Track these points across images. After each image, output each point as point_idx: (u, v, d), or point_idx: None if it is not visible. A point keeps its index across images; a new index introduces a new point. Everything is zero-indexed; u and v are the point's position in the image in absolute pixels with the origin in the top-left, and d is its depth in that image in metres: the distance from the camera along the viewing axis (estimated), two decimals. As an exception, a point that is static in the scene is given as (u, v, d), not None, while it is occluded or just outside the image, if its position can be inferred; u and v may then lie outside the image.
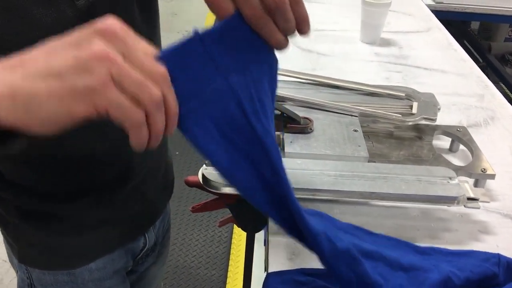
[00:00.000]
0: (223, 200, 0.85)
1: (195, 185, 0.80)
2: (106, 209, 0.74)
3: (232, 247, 1.89)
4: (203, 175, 0.74)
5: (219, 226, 1.05)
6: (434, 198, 0.72)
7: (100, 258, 0.76)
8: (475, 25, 3.00)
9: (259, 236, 1.35)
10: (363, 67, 1.27)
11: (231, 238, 1.93)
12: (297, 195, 0.74)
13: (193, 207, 0.91)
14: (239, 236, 1.94)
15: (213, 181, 0.73)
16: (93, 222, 0.74)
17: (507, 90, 2.22)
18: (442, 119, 0.99)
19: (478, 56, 2.54)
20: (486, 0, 1.97)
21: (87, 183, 0.71)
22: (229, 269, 1.80)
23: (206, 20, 3.95)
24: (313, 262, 0.68)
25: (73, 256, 0.75)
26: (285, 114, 0.85)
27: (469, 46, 2.61)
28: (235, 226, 1.27)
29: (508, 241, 0.75)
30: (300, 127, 0.86)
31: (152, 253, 0.90)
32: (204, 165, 0.76)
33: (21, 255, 0.75)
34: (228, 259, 1.84)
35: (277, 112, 0.85)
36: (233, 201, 0.84)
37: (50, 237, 0.73)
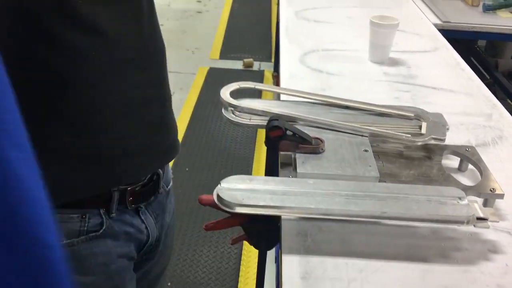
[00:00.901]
0: (236, 218, 0.87)
1: (208, 203, 0.82)
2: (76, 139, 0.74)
3: (241, 263, 1.90)
4: (218, 195, 0.76)
5: (232, 244, 1.06)
6: (445, 218, 0.74)
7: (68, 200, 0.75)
8: (482, 41, 3.02)
9: (270, 254, 1.36)
10: (372, 87, 1.30)
11: (240, 255, 1.95)
12: (310, 215, 0.77)
13: (206, 225, 0.93)
14: (248, 253, 1.95)
15: (227, 201, 0.75)
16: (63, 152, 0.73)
17: (515, 107, 2.24)
18: (451, 138, 1.00)
19: (485, 73, 2.56)
20: (493, 19, 1.99)
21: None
22: (238, 286, 1.81)
23: (215, 38, 4.01)
24: (325, 282, 0.70)
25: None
26: (297, 135, 0.87)
27: (476, 63, 2.63)
28: (244, 243, 1.29)
29: (518, 261, 0.76)
30: (312, 147, 0.88)
31: (156, 249, 0.92)
32: (219, 185, 0.78)
33: None
34: (238, 276, 1.85)
35: (289, 132, 0.87)
36: (246, 220, 0.86)
37: None
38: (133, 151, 0.80)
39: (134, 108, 0.78)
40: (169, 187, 0.95)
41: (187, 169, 2.42)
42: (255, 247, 0.96)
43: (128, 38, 0.73)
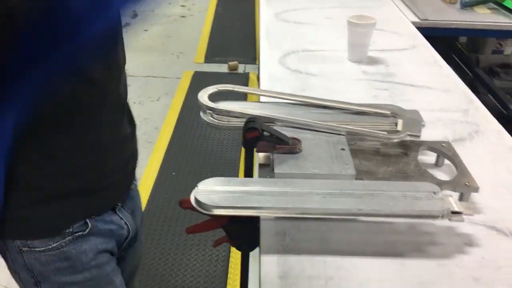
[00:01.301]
0: (216, 220, 0.87)
1: (189, 207, 0.82)
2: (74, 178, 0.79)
3: (230, 265, 1.90)
4: (195, 198, 0.76)
5: (214, 246, 1.07)
6: (419, 213, 0.75)
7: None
8: (463, 38, 3.05)
9: (256, 254, 1.36)
10: (352, 86, 1.31)
11: (228, 257, 1.95)
12: (287, 214, 0.77)
13: (187, 229, 0.93)
14: (236, 255, 1.95)
15: (204, 203, 0.75)
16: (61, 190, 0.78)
17: (495, 102, 2.27)
18: (429, 134, 1.02)
19: (466, 69, 2.59)
20: (470, 16, 2.02)
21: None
22: (227, 288, 1.81)
23: (199, 42, 4.01)
24: (303, 280, 0.71)
25: (50, 223, 0.80)
26: (274, 136, 0.88)
27: (457, 60, 2.66)
28: (231, 245, 1.29)
29: (493, 253, 0.77)
30: (289, 147, 0.88)
31: (134, 243, 0.97)
32: (196, 188, 0.79)
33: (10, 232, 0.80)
34: (226, 278, 1.85)
35: (266, 133, 0.88)
36: (225, 222, 0.86)
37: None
38: (114, 183, 0.86)
39: (117, 145, 0.85)
40: (136, 182, 1.00)
41: (173, 173, 2.41)
42: (237, 248, 0.97)
43: (113, 86, 0.80)
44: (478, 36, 2.69)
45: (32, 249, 0.80)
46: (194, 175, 2.41)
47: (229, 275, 1.87)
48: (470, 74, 2.54)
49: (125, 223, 0.91)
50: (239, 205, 0.75)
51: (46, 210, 0.78)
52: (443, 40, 2.42)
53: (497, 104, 2.26)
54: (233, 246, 0.97)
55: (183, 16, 4.55)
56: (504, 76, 2.65)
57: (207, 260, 1.92)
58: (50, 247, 0.80)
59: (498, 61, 2.81)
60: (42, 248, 0.80)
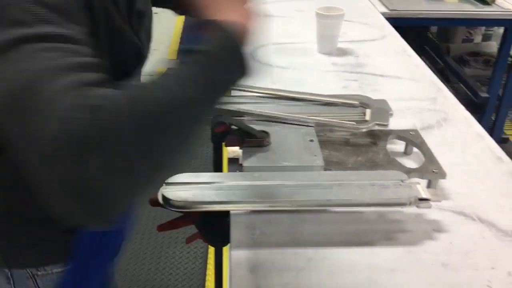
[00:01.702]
0: (188, 217, 0.86)
1: (158, 204, 0.81)
2: None
3: (208, 262, 1.90)
4: (162, 195, 0.75)
5: (187, 243, 1.06)
6: (387, 201, 0.75)
7: None
8: (434, 28, 3.09)
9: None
10: (322, 78, 1.31)
11: (207, 253, 1.94)
12: (256, 207, 0.77)
13: (159, 226, 0.92)
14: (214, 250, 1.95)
15: (172, 200, 0.74)
16: None
17: (466, 90, 2.30)
18: (398, 123, 1.03)
19: (437, 59, 2.62)
20: (438, 5, 2.04)
21: None
22: (206, 285, 1.80)
23: (172, 38, 3.97)
24: (273, 273, 0.70)
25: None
26: (242, 129, 0.87)
27: (429, 50, 2.69)
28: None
29: (461, 238, 0.78)
30: (258, 140, 0.88)
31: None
32: (164, 185, 0.78)
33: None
34: (205, 275, 1.84)
35: (234, 127, 0.87)
36: (197, 218, 0.85)
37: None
38: None
39: None
40: None
41: (149, 171, 2.39)
42: (210, 244, 0.96)
43: None
44: (446, 25, 2.74)
45: (50, 272, 0.80)
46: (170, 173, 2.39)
47: (207, 272, 1.86)
48: (441, 63, 2.58)
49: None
50: (208, 200, 0.74)
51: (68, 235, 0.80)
52: (414, 30, 2.44)
53: (468, 92, 2.29)
54: (206, 242, 0.96)
55: (155, 13, 4.50)
56: (474, 64, 2.69)
57: (185, 257, 1.91)
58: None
59: (468, 49, 2.86)
60: (61, 269, 0.80)
